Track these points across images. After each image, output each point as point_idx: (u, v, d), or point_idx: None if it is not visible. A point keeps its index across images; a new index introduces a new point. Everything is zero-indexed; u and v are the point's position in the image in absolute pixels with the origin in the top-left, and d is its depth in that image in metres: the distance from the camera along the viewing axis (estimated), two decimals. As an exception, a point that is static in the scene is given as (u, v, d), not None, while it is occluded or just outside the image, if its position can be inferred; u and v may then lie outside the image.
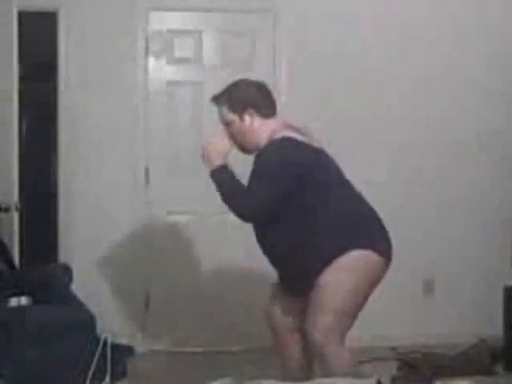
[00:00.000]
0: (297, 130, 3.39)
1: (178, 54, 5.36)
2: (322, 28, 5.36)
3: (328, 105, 5.33)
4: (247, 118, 3.37)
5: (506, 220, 5.49)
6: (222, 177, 3.33)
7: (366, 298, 3.34)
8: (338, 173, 3.42)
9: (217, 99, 3.44)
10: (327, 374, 3.23)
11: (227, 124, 3.41)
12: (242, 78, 3.51)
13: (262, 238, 3.45)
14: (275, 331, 3.61)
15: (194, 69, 5.39)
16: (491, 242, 5.48)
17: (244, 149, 3.46)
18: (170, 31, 5.33)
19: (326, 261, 3.25)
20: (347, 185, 3.41)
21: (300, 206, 3.28)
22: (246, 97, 3.39)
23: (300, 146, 3.30)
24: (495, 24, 5.49)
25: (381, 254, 3.30)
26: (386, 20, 5.40)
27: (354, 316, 3.32)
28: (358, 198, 3.41)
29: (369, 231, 3.34)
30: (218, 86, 5.24)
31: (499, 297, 4.90)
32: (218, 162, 3.34)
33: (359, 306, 3.33)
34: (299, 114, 4.95)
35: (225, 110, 3.40)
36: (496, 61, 5.49)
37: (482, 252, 5.48)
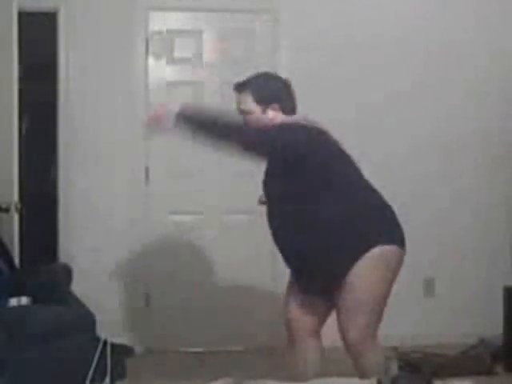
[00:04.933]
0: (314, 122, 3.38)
1: (177, 54, 5.36)
2: (322, 28, 5.36)
3: (328, 105, 5.32)
4: (270, 112, 3.34)
5: (506, 220, 5.49)
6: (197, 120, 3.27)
7: (389, 290, 3.35)
8: (355, 166, 3.39)
9: (241, 86, 3.38)
10: (364, 373, 3.25)
11: (246, 112, 3.35)
12: (267, 71, 3.50)
13: (279, 239, 3.38)
14: (290, 331, 3.53)
15: (193, 69, 5.39)
16: (491, 241, 5.49)
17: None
18: (170, 31, 5.33)
19: (353, 259, 3.22)
20: (358, 172, 3.38)
21: (314, 198, 3.23)
22: (273, 91, 3.36)
23: (327, 138, 3.32)
24: (495, 24, 5.50)
25: (400, 245, 3.31)
26: (385, 20, 5.41)
27: (382, 310, 3.34)
28: (369, 186, 3.38)
29: (387, 223, 3.32)
30: (217, 86, 5.30)
31: (499, 297, 4.91)
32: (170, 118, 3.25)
33: (385, 299, 3.34)
34: (299, 113, 4.96)
35: (249, 99, 3.34)
36: (496, 61, 5.50)
37: (482, 252, 5.49)
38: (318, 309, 3.45)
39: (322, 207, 3.22)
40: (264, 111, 3.34)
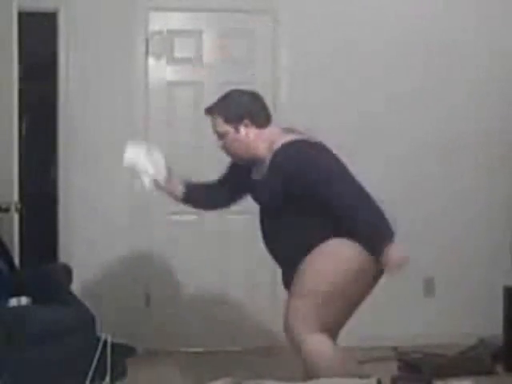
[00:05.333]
0: (298, 132, 3.39)
1: (178, 54, 5.36)
2: (322, 28, 5.36)
3: (328, 105, 5.33)
4: (242, 129, 3.37)
5: (505, 220, 5.49)
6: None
7: (349, 289, 3.23)
8: (344, 169, 3.37)
9: (211, 110, 3.44)
10: (308, 367, 3.17)
11: (221, 135, 3.42)
12: (234, 89, 3.50)
13: (268, 242, 3.44)
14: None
15: (193, 69, 5.40)
16: (491, 242, 5.49)
17: (238, 159, 3.47)
18: (170, 31, 5.33)
19: (308, 250, 3.25)
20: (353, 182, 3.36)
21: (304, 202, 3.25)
22: (240, 107, 3.39)
23: (314, 147, 3.30)
24: (496, 24, 5.50)
25: (366, 246, 3.21)
26: (385, 20, 5.41)
27: (334, 305, 3.23)
28: (363, 196, 3.32)
29: (358, 221, 3.23)
30: (218, 86, 5.29)
31: (499, 297, 4.91)
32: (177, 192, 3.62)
33: (339, 295, 3.23)
34: (299, 115, 4.97)
35: (219, 122, 3.40)
36: (497, 61, 5.50)
37: (482, 252, 5.48)
38: None
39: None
40: (237, 129, 3.37)
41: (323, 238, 3.25)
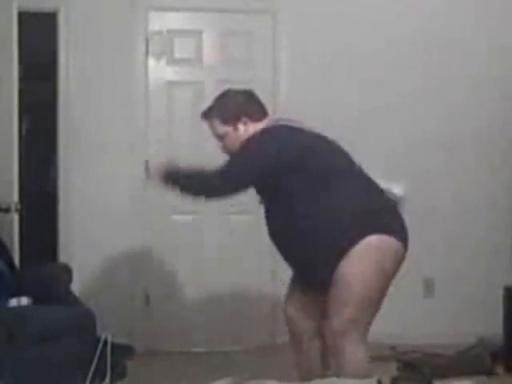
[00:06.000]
0: (294, 122, 3.38)
1: (178, 54, 5.36)
2: (322, 28, 5.37)
3: (328, 105, 5.33)
4: (241, 127, 3.37)
5: (506, 220, 5.49)
6: (174, 177, 3.43)
7: (387, 283, 3.24)
8: (346, 160, 3.36)
9: (207, 114, 3.44)
10: (339, 370, 3.17)
11: (221, 137, 3.41)
12: (227, 89, 3.50)
13: (273, 234, 3.38)
14: (293, 334, 3.51)
15: (193, 69, 5.40)
16: (491, 241, 5.49)
17: None
18: (170, 31, 5.34)
19: (341, 252, 3.17)
20: (357, 172, 3.36)
21: (303, 195, 3.22)
22: (236, 107, 3.39)
23: (294, 131, 3.29)
24: (494, 22, 5.50)
25: (399, 239, 3.23)
26: (385, 19, 5.41)
27: (376, 304, 3.23)
28: (370, 186, 3.35)
29: (381, 217, 3.25)
30: (217, 86, 5.29)
31: (499, 296, 4.91)
32: (158, 172, 3.45)
33: (380, 292, 3.23)
34: (299, 114, 4.96)
35: (217, 124, 3.40)
36: (496, 58, 5.50)
37: (482, 252, 5.49)
38: (317, 309, 3.43)
39: (321, 205, 3.21)
40: (235, 128, 3.37)
41: (353, 239, 3.19)
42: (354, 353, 3.20)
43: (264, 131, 3.31)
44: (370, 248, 3.18)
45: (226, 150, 3.43)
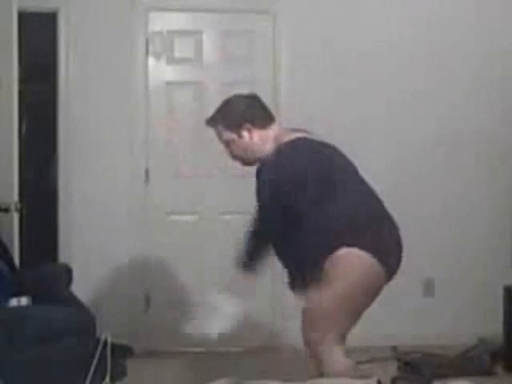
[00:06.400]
0: (303, 131, 3.37)
1: (177, 54, 5.36)
2: (322, 28, 5.37)
3: (328, 105, 5.33)
4: (245, 133, 3.34)
5: (505, 220, 5.49)
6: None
7: (362, 297, 3.23)
8: (354, 170, 3.36)
9: (211, 121, 3.42)
10: (322, 373, 3.17)
11: (227, 143, 3.40)
12: (232, 95, 3.47)
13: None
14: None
15: (193, 69, 5.40)
16: (491, 242, 5.49)
17: (248, 164, 3.44)
18: (170, 32, 5.33)
19: (322, 257, 3.18)
20: (362, 183, 3.35)
21: (311, 204, 3.22)
22: (239, 113, 3.36)
23: (315, 145, 3.28)
24: (495, 24, 5.51)
25: (373, 254, 3.18)
26: (385, 21, 5.41)
27: (353, 314, 3.23)
28: (371, 197, 3.33)
29: (365, 230, 3.22)
30: (217, 86, 5.30)
31: (499, 297, 4.91)
32: None
33: (355, 304, 3.22)
34: (299, 115, 4.97)
35: (221, 130, 3.38)
36: (496, 60, 5.50)
37: (482, 252, 5.48)
38: None
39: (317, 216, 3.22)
40: (239, 135, 3.35)
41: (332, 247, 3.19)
42: (331, 355, 3.19)
43: (286, 155, 3.24)
44: (338, 260, 3.17)
45: (232, 155, 3.42)
